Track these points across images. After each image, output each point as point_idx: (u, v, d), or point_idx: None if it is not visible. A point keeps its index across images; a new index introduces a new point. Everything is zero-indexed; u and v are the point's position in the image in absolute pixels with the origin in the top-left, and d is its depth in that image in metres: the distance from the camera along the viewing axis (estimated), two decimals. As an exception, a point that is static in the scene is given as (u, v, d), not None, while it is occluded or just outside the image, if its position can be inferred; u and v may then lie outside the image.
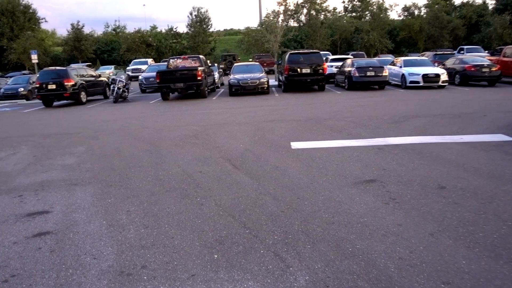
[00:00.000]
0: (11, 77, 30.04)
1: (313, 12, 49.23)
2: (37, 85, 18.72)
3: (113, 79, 20.28)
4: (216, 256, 3.52)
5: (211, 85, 21.18)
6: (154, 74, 21.20)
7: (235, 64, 22.16)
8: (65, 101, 19.52)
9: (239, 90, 18.81)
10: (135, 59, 41.40)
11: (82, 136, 9.97)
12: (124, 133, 10.15)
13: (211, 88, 21.39)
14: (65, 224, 4.40)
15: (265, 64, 34.62)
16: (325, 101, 14.90)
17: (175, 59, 19.96)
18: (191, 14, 49.78)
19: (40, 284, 3.21)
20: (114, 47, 51.26)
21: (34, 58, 25.06)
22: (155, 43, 48.04)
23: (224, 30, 78.66)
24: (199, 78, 17.82)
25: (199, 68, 18.14)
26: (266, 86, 18.73)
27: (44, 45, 51.41)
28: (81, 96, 19.18)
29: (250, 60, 41.35)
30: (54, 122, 13.48)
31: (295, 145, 7.65)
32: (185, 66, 19.14)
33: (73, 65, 20.97)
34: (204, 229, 4.07)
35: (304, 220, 4.18)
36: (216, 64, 28.01)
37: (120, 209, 4.76)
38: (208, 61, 23.39)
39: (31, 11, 51.60)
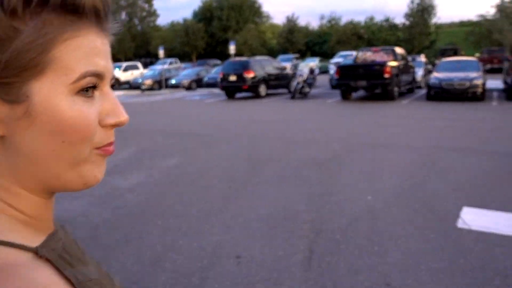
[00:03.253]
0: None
1: None
2: (221, 76, 18.58)
3: (294, 73, 18.58)
4: None
5: (408, 84, 17.16)
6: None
7: (442, 60, 17.40)
8: (245, 93, 18.87)
9: (439, 94, 14.40)
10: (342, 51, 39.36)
11: (193, 137, 8.32)
12: (235, 143, 8.04)
13: (408, 88, 17.38)
14: None
15: (495, 61, 27.45)
16: None
17: (364, 52, 16.79)
18: (412, 2, 44.32)
19: None
20: (326, 40, 50.36)
21: (232, 48, 25.48)
22: (366, 35, 44.82)
23: (451, 23, 69.08)
24: (386, 75, 14.32)
25: (388, 63, 14.57)
26: (480, 90, 13.74)
27: (264, 37, 54.60)
28: (260, 89, 18.16)
29: (477, 55, 33.91)
30: (202, 115, 12.48)
31: (468, 218, 4.00)
32: (375, 61, 15.81)
33: (258, 57, 20.11)
34: None
35: None
36: (424, 60, 23.23)
37: None
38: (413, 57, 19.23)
39: (256, 5, 55.34)
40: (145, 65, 42.67)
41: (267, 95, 18.85)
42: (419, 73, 19.84)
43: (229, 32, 51.83)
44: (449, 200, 4.51)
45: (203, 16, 54.81)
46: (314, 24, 64.94)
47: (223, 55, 53.85)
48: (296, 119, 11.15)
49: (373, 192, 4.84)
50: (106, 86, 0.46)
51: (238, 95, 19.09)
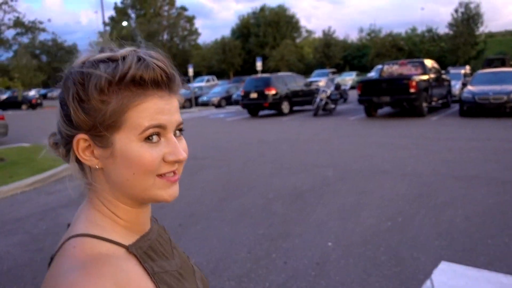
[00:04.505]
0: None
1: None
2: (242, 94, 18.10)
3: (317, 89, 17.76)
4: None
5: (442, 98, 15.82)
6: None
7: (479, 72, 15.93)
8: (268, 111, 18.20)
9: (473, 109, 13.04)
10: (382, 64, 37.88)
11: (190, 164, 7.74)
12: (223, 169, 7.38)
13: (442, 103, 16.04)
14: None
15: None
16: None
17: (391, 65, 15.71)
18: (456, 11, 42.11)
19: None
20: (365, 53, 48.90)
21: (259, 65, 25.03)
22: (407, 47, 42.96)
23: (505, 31, 65.47)
24: (412, 90, 13.19)
25: (414, 77, 13.43)
26: (520, 104, 12.29)
27: (301, 52, 53.97)
28: (283, 106, 17.48)
29: (529, 65, 31.41)
30: (213, 135, 11.93)
31: (440, 280, 3.10)
32: (400, 75, 14.70)
33: (280, 73, 19.49)
34: None
35: None
36: (464, 72, 21.54)
37: None
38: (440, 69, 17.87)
39: (294, 20, 54.95)
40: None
41: (291, 112, 18.14)
42: (457, 86, 18.39)
43: (266, 48, 51.68)
44: (427, 250, 3.61)
45: (241, 33, 55.12)
46: (354, 37, 63.43)
47: (262, 72, 53.73)
48: (306, 139, 10.36)
49: (339, 235, 4.02)
50: (169, 134, 0.65)
51: (261, 112, 18.49)
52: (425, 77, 14.23)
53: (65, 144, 0.67)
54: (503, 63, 30.51)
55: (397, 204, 4.88)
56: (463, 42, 39.45)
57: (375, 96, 13.82)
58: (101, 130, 0.62)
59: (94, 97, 0.61)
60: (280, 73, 19.87)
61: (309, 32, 64.01)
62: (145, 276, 0.62)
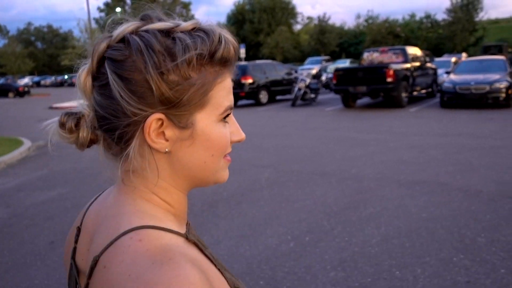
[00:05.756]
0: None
1: None
2: (219, 82, 17.28)
3: (295, 78, 16.92)
4: None
5: (427, 88, 14.97)
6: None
7: (463, 59, 15.04)
8: (246, 101, 17.40)
9: (454, 100, 12.22)
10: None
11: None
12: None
13: (427, 92, 15.21)
14: None
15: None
16: None
17: (371, 53, 14.84)
18: (455, -4, 40.72)
19: None
20: (362, 40, 47.68)
21: (242, 52, 24.13)
22: (403, 34, 41.73)
23: (510, 17, 64.00)
24: (389, 80, 12.36)
25: (392, 66, 12.58)
26: (503, 95, 11.45)
27: (298, 39, 52.82)
28: (261, 96, 16.69)
29: (527, 52, 30.39)
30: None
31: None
32: (376, 63, 13.85)
33: (258, 61, 18.63)
34: None
35: None
36: (455, 59, 20.52)
37: None
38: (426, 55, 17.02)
39: (290, 6, 53.65)
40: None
41: (271, 102, 17.36)
42: (445, 75, 17.50)
43: (261, 35, 50.55)
44: (315, 286, 2.89)
45: (236, 19, 53.97)
46: (351, 24, 62.06)
47: (256, 59, 52.73)
48: (266, 133, 9.62)
49: (223, 262, 3.30)
50: (231, 114, 0.63)
51: (240, 102, 17.69)
52: (405, 65, 13.39)
53: (115, 128, 0.58)
54: (500, 50, 29.40)
55: (315, 218, 4.15)
56: (461, 28, 38.18)
57: (351, 86, 13.01)
58: (184, 109, 0.57)
59: (183, 70, 0.55)
60: (258, 61, 18.97)
61: (311, 19, 62.62)
62: (210, 263, 0.58)
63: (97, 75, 0.58)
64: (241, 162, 6.65)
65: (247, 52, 54.45)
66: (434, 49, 41.41)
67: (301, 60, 44.04)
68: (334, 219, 4.09)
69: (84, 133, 0.61)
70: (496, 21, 69.04)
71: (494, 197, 4.48)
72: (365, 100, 15.09)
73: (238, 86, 16.31)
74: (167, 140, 0.58)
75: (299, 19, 55.75)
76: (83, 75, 0.58)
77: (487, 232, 3.63)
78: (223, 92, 0.60)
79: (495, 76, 11.82)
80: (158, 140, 0.57)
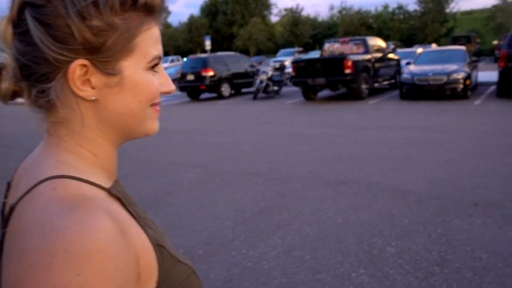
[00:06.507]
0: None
1: None
2: (179, 75, 16.72)
3: (256, 70, 16.47)
4: None
5: (389, 79, 14.72)
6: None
7: (424, 50, 14.84)
8: (209, 94, 16.84)
9: (412, 92, 11.98)
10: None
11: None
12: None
13: (390, 84, 14.94)
14: None
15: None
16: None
17: (332, 43, 14.49)
18: (426, -13, 40.75)
19: None
20: (336, 31, 47.45)
21: (208, 44, 23.56)
22: (376, 25, 41.64)
23: (484, 8, 64.78)
24: (348, 71, 12.04)
25: (351, 57, 12.26)
26: (461, 86, 11.25)
27: (272, 31, 52.28)
28: (223, 88, 16.18)
29: (495, 43, 30.66)
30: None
31: None
32: (335, 55, 13.50)
33: (220, 53, 18.10)
34: None
35: None
36: (421, 50, 20.33)
37: None
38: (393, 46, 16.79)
39: (264, -3, 52.98)
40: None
41: (234, 95, 16.90)
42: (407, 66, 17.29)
43: (234, 26, 49.80)
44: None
45: (209, 11, 53.04)
46: (325, 15, 61.77)
47: (229, 50, 52.02)
48: (213, 129, 9.17)
49: None
50: (160, 64, 0.62)
51: (202, 96, 17.14)
52: (366, 56, 13.09)
53: (38, 75, 0.56)
54: (468, 41, 29.64)
55: (220, 226, 3.74)
56: (432, 19, 38.26)
57: (310, 78, 12.64)
58: (109, 55, 0.56)
59: (105, 15, 0.54)
60: (220, 53, 18.45)
61: (289, 10, 61.90)
62: (132, 219, 0.56)
63: (18, 22, 0.56)
64: (169, 161, 6.20)
65: (220, 44, 53.72)
66: (407, 40, 41.53)
67: (275, 52, 43.56)
68: (241, 227, 3.69)
69: (6, 83, 0.59)
70: (470, 12, 69.84)
71: (421, 198, 4.15)
72: (327, 92, 14.77)
73: (198, 79, 15.81)
74: (93, 88, 0.57)
75: (275, 10, 55.07)
76: (3, 23, 0.56)
77: (399, 240, 3.28)
78: (150, 40, 0.59)
79: (453, 67, 11.61)
80: (84, 88, 0.56)
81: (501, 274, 2.73)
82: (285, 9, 58.38)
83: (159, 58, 0.61)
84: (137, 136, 0.64)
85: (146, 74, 0.59)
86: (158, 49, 0.60)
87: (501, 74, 11.02)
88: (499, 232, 3.31)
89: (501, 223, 3.48)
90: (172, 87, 0.65)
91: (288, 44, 45.66)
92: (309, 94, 13.59)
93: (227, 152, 6.79)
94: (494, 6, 35.78)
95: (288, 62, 21.37)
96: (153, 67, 0.60)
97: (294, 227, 3.62)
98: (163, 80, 0.63)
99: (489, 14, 37.40)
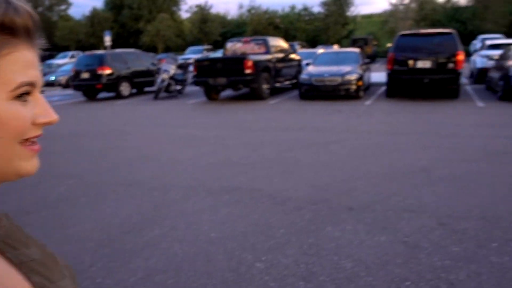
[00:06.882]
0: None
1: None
2: (72, 73, 15.49)
3: (158, 68, 15.87)
4: None
5: (290, 79, 15.01)
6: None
7: (321, 51, 15.46)
8: (107, 94, 15.81)
9: (310, 92, 12.35)
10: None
11: None
12: None
13: (292, 83, 15.23)
14: None
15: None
16: (447, 126, 7.58)
17: (234, 43, 14.42)
18: (329, -10, 42.85)
19: None
20: (245, 30, 47.89)
21: (107, 40, 22.29)
22: (283, 25, 42.81)
23: (383, 12, 70.01)
24: (248, 71, 12.02)
25: (251, 57, 12.27)
26: (354, 87, 11.82)
27: (181, 28, 51.18)
28: (121, 88, 15.28)
29: (389, 45, 33.13)
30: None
31: None
32: (236, 55, 13.45)
33: (119, 50, 17.18)
34: None
35: None
36: (322, 50, 21.22)
37: None
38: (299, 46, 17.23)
39: (171, -7, 51.62)
40: (43, 59, 38.16)
41: (135, 94, 16.07)
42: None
43: (141, 22, 47.85)
44: None
45: (114, 4, 50.36)
46: (234, 13, 62.25)
47: (136, 47, 49.87)
48: (100, 133, 8.50)
49: None
50: (37, 92, 0.55)
51: (101, 95, 16.04)
52: (267, 56, 13.20)
53: None
54: (366, 43, 31.67)
55: (79, 250, 3.31)
56: (334, 21, 40.38)
57: (211, 78, 12.41)
58: None
59: None
60: (118, 50, 17.47)
61: (199, 7, 60.86)
62: (11, 268, 0.52)
63: None
64: (41, 172, 5.51)
65: (126, 39, 51.31)
66: (312, 40, 43.28)
67: (184, 49, 42.66)
68: (102, 250, 3.30)
69: None
70: (369, 16, 74.94)
71: (300, 204, 4.10)
72: (230, 92, 14.67)
73: (94, 78, 14.76)
74: None
75: (185, 7, 53.95)
76: None
77: (270, 253, 3.15)
78: (14, 66, 0.51)
79: (347, 68, 12.17)
80: None
81: (362, 285, 2.71)
82: (196, 6, 57.65)
83: (31, 84, 0.53)
84: (9, 177, 0.55)
85: (9, 105, 0.51)
86: (28, 75, 0.52)
87: (389, 76, 11.79)
88: (366, 238, 3.34)
89: (370, 227, 3.53)
90: (52, 116, 0.56)
91: (197, 42, 45.02)
92: (211, 94, 13.37)
93: (110, 159, 6.27)
94: (385, 12, 38.79)
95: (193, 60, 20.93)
96: (21, 96, 0.52)
97: (163, 246, 3.33)
98: (39, 110, 0.55)
99: (384, 19, 40.45)
